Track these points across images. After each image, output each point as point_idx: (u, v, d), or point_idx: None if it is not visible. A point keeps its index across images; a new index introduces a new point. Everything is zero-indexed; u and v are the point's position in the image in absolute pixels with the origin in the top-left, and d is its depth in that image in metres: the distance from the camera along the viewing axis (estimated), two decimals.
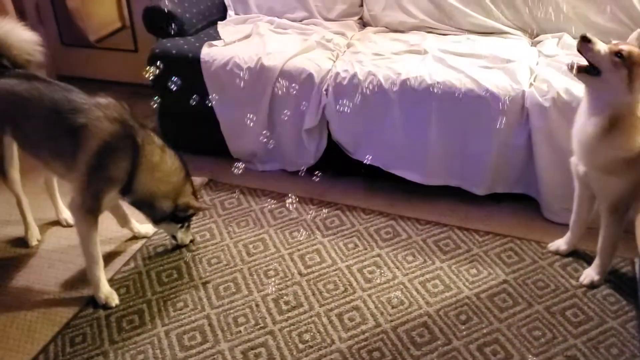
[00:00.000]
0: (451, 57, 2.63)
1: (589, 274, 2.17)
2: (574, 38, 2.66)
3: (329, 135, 2.73)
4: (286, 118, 2.72)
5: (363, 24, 3.22)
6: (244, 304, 2.12)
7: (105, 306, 2.12)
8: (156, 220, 2.20)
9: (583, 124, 1.95)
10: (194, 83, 2.76)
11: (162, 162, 2.09)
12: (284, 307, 2.10)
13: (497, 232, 2.46)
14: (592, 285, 2.15)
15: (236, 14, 3.26)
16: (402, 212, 2.60)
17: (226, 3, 3.27)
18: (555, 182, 2.43)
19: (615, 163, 1.90)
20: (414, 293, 2.15)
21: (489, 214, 2.58)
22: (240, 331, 2.01)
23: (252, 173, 2.89)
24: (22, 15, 3.56)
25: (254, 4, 3.25)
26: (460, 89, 2.43)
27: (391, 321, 2.04)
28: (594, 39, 1.86)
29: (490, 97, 2.39)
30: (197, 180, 2.29)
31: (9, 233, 2.53)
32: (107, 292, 2.14)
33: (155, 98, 2.65)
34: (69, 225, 2.53)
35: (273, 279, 2.23)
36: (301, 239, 2.45)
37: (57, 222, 2.58)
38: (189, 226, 2.32)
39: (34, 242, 2.46)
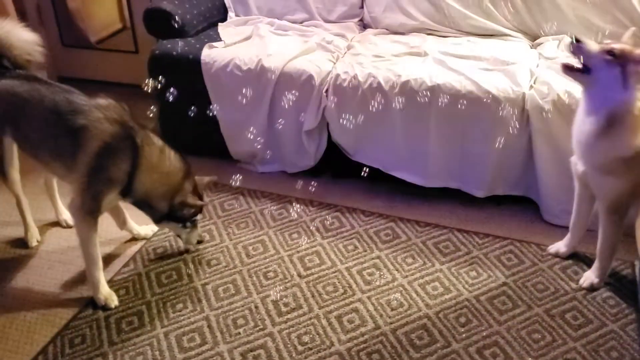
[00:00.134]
0: (451, 59, 2.63)
1: (589, 276, 2.17)
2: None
3: (329, 136, 2.73)
4: (286, 119, 2.72)
5: (363, 25, 3.22)
6: (243, 306, 2.12)
7: (105, 307, 2.12)
8: (156, 219, 2.20)
9: (581, 123, 1.96)
10: (194, 84, 2.77)
11: (161, 163, 2.09)
12: (283, 309, 2.10)
13: (497, 235, 2.45)
14: (591, 288, 2.15)
15: (237, 15, 3.26)
16: (402, 214, 2.60)
17: (227, 4, 3.28)
18: (555, 184, 2.43)
19: (613, 162, 1.91)
20: (414, 295, 2.15)
21: (489, 216, 2.58)
22: (239, 333, 2.01)
23: (252, 174, 2.90)
24: (23, 16, 3.56)
25: (255, 5, 3.25)
26: (461, 91, 2.43)
27: (390, 323, 2.03)
28: (585, 39, 1.87)
29: (491, 99, 2.39)
30: (205, 179, 2.28)
31: (9, 234, 2.53)
32: (107, 294, 2.14)
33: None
34: (68, 226, 2.54)
35: (272, 281, 2.23)
36: (301, 240, 2.45)
37: (57, 223, 2.58)
38: (195, 226, 2.30)
39: (33, 243, 2.46)
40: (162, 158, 2.09)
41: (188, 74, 2.78)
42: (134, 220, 2.45)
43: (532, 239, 2.42)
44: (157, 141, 2.11)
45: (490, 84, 2.43)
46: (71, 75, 3.80)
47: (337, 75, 2.61)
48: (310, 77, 2.62)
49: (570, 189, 2.20)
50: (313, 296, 2.16)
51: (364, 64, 2.66)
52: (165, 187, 2.11)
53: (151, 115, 2.64)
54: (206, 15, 3.16)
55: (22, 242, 2.47)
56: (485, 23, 2.93)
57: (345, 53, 2.84)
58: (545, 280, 2.21)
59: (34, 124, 2.09)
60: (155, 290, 2.21)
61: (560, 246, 2.33)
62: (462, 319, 2.04)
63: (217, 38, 2.97)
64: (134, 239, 2.48)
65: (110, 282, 2.22)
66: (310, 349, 1.94)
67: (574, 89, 2.30)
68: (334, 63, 2.72)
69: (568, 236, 2.31)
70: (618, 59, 1.81)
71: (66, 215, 2.55)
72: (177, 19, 2.94)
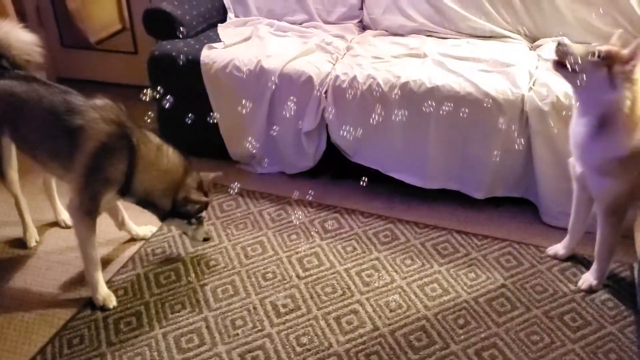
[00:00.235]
0: (451, 61, 2.63)
1: (587, 278, 2.17)
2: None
3: (328, 138, 2.73)
4: (285, 120, 2.72)
5: (363, 27, 3.22)
6: (241, 307, 2.12)
7: (103, 308, 2.12)
8: (161, 217, 2.20)
9: (576, 125, 1.98)
10: (193, 85, 2.77)
11: (159, 161, 2.08)
12: (282, 310, 2.10)
13: (496, 236, 2.45)
14: (590, 290, 2.15)
15: (236, 16, 3.26)
16: (401, 215, 2.60)
17: (226, 5, 3.28)
18: (554, 186, 2.43)
19: (609, 163, 1.91)
20: (412, 297, 2.15)
21: (488, 218, 2.58)
22: (237, 334, 2.01)
23: (251, 175, 2.89)
24: (22, 17, 3.56)
25: (254, 6, 3.25)
26: (460, 92, 2.43)
27: (389, 325, 2.03)
28: (569, 43, 1.91)
29: (490, 101, 2.39)
30: (210, 175, 2.26)
31: (7, 234, 2.52)
32: (105, 294, 2.13)
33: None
34: (67, 227, 2.53)
35: (271, 282, 2.23)
36: (299, 241, 2.44)
37: (55, 223, 2.58)
38: (201, 223, 2.28)
39: (32, 243, 2.46)
40: (159, 156, 2.09)
41: (187, 75, 2.78)
42: (132, 221, 2.45)
43: (531, 241, 2.42)
44: (154, 139, 2.11)
45: (490, 85, 2.43)
46: (70, 76, 3.80)
47: (337, 77, 2.61)
48: (310, 78, 2.62)
49: (569, 190, 2.20)
50: (312, 297, 2.15)
51: (364, 65, 2.66)
52: (165, 184, 2.11)
53: (151, 115, 2.64)
54: (206, 16, 3.17)
55: (20, 243, 2.47)
56: (485, 25, 2.93)
57: (344, 54, 2.84)
58: (543, 282, 2.21)
59: (32, 125, 2.09)
60: (153, 291, 2.20)
61: (558, 248, 2.33)
62: (461, 321, 2.04)
63: (217, 39, 2.97)
64: (133, 239, 2.48)
65: (109, 283, 2.22)
66: (309, 350, 1.94)
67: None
68: (334, 64, 2.72)
69: (567, 238, 2.31)
70: (604, 60, 1.83)
71: (65, 216, 2.55)
72: (176, 19, 2.94)
